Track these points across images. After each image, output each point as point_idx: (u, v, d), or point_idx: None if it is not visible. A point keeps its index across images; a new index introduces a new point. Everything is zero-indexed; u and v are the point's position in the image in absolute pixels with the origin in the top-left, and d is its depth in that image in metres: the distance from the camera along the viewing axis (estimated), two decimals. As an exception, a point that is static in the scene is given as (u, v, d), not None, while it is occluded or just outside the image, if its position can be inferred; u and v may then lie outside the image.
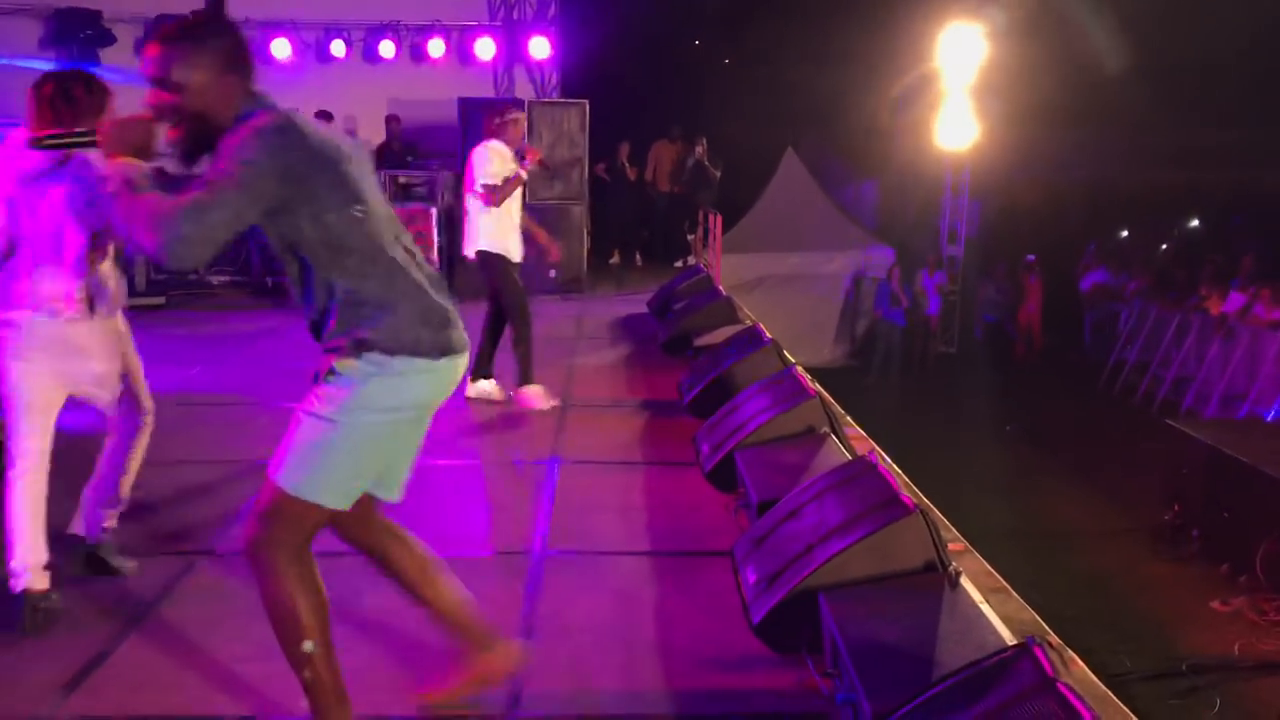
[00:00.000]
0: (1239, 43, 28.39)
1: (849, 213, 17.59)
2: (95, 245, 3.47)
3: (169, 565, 4.03)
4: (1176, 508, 8.97)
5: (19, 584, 3.38)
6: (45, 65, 11.64)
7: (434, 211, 10.85)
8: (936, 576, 3.42)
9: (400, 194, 10.91)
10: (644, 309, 9.66)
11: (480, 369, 6.40)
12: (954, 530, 4.43)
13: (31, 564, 3.39)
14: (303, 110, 3.98)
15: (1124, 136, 24.91)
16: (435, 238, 10.84)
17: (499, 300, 6.41)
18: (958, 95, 16.16)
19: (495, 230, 6.23)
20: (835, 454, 4.65)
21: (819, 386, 6.71)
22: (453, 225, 10.94)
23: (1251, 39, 28.51)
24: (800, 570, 3.51)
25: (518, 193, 6.31)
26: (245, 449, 5.39)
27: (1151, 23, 25.77)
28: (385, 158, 11.72)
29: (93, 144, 2.76)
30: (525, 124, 6.47)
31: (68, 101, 3.44)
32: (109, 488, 3.71)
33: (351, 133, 12.77)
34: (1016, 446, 12.15)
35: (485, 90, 13.11)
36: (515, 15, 13.07)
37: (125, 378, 3.65)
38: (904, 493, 3.74)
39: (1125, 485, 10.42)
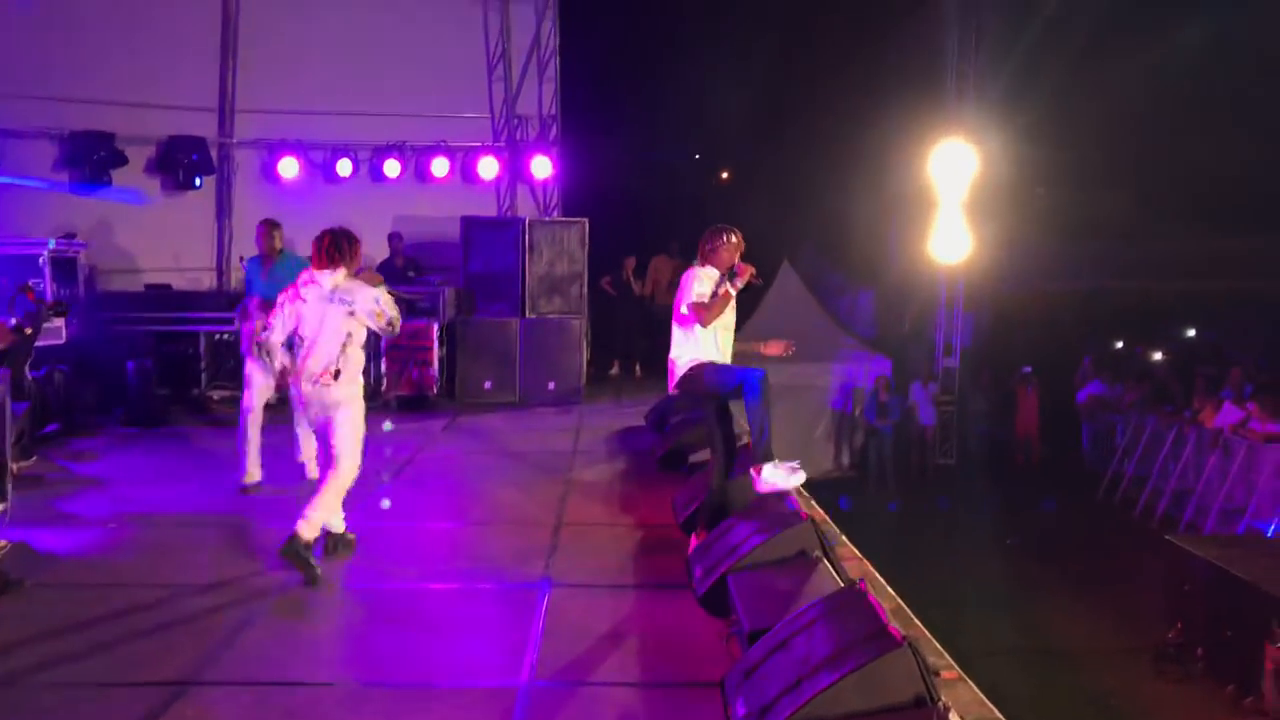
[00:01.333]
0: (1234, 152, 29.08)
1: (845, 324, 17.77)
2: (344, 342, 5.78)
3: (154, 695, 4.01)
4: (1179, 625, 8.87)
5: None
6: (59, 185, 11.99)
7: (435, 326, 11.01)
8: (925, 712, 3.40)
9: (402, 310, 11.05)
10: (642, 421, 9.71)
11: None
12: (947, 657, 4.38)
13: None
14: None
15: (1117, 247, 25.31)
16: (436, 351, 10.98)
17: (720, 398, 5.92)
18: (951, 209, 16.50)
19: (701, 354, 5.79)
20: (827, 580, 4.65)
21: (814, 505, 6.76)
22: (454, 339, 11.10)
23: (1246, 149, 29.20)
24: (788, 706, 3.49)
25: (730, 322, 5.95)
26: (235, 569, 5.39)
27: (1145, 131, 26.46)
28: (387, 274, 11.91)
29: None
30: (737, 243, 5.88)
31: (338, 249, 5.80)
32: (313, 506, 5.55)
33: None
34: (1018, 560, 12.06)
35: (488, 208, 13.44)
36: (518, 136, 13.45)
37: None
38: (892, 623, 3.73)
39: (1128, 601, 10.32)
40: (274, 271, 7.59)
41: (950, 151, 16.29)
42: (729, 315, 5.90)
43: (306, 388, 5.72)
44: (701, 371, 5.80)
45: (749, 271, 5.85)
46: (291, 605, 5.14)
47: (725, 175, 34.59)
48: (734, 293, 5.80)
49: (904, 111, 17.34)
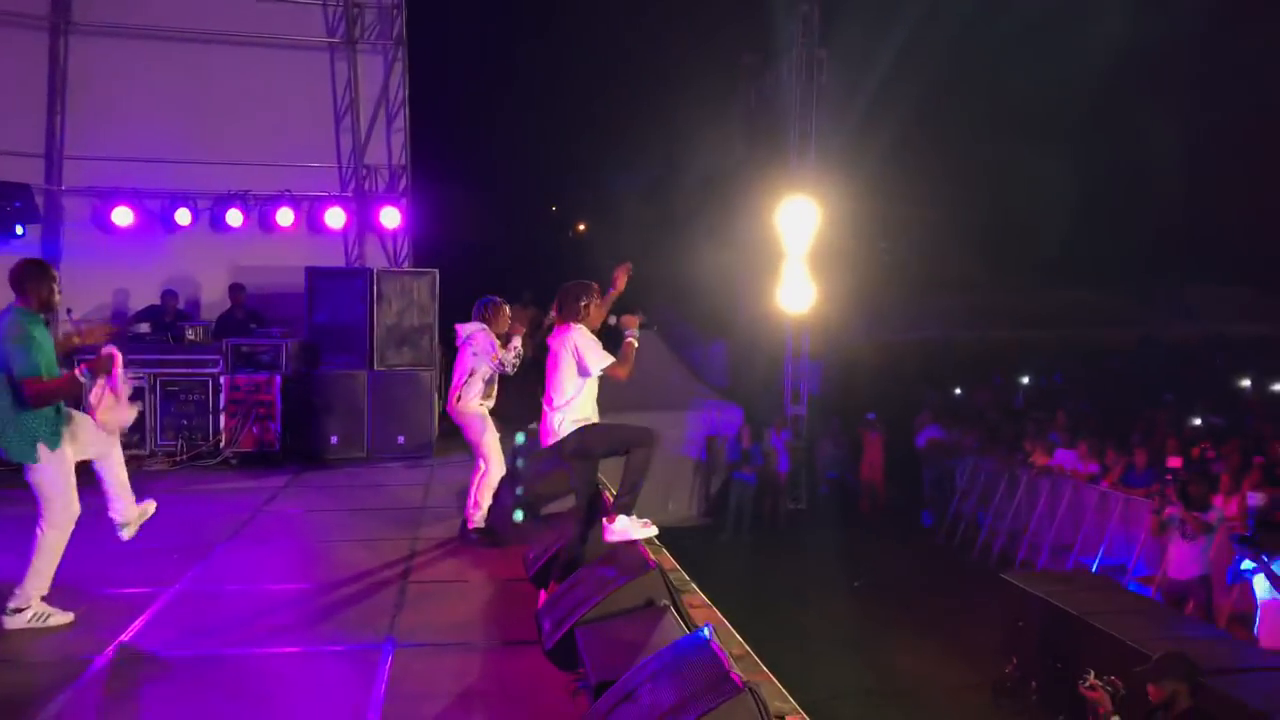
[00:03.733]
0: (1062, 209, 31.05)
1: (699, 373, 18.08)
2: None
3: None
4: (1015, 660, 9.25)
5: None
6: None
7: (278, 379, 10.66)
8: (767, 758, 3.43)
9: (242, 362, 10.70)
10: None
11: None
12: (791, 701, 4.44)
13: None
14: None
15: (954, 299, 26.64)
16: (279, 405, 10.62)
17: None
18: (796, 262, 17.07)
19: (589, 413, 5.81)
20: (673, 629, 4.66)
21: (665, 554, 6.79)
22: (293, 392, 10.75)
23: (1074, 205, 31.24)
24: (632, 758, 3.47)
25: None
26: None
27: (980, 186, 28.02)
28: (228, 326, 11.53)
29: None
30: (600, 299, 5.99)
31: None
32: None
33: (194, 301, 12.57)
34: (865, 602, 12.38)
35: (336, 258, 13.16)
36: (367, 186, 13.26)
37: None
38: (735, 670, 3.76)
39: (968, 638, 10.71)
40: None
41: (794, 207, 16.88)
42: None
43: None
44: (593, 438, 5.78)
45: (636, 321, 5.98)
46: (119, 678, 4.84)
47: (581, 227, 34.94)
48: (636, 344, 5.91)
49: (750, 168, 17.92)
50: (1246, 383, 19.11)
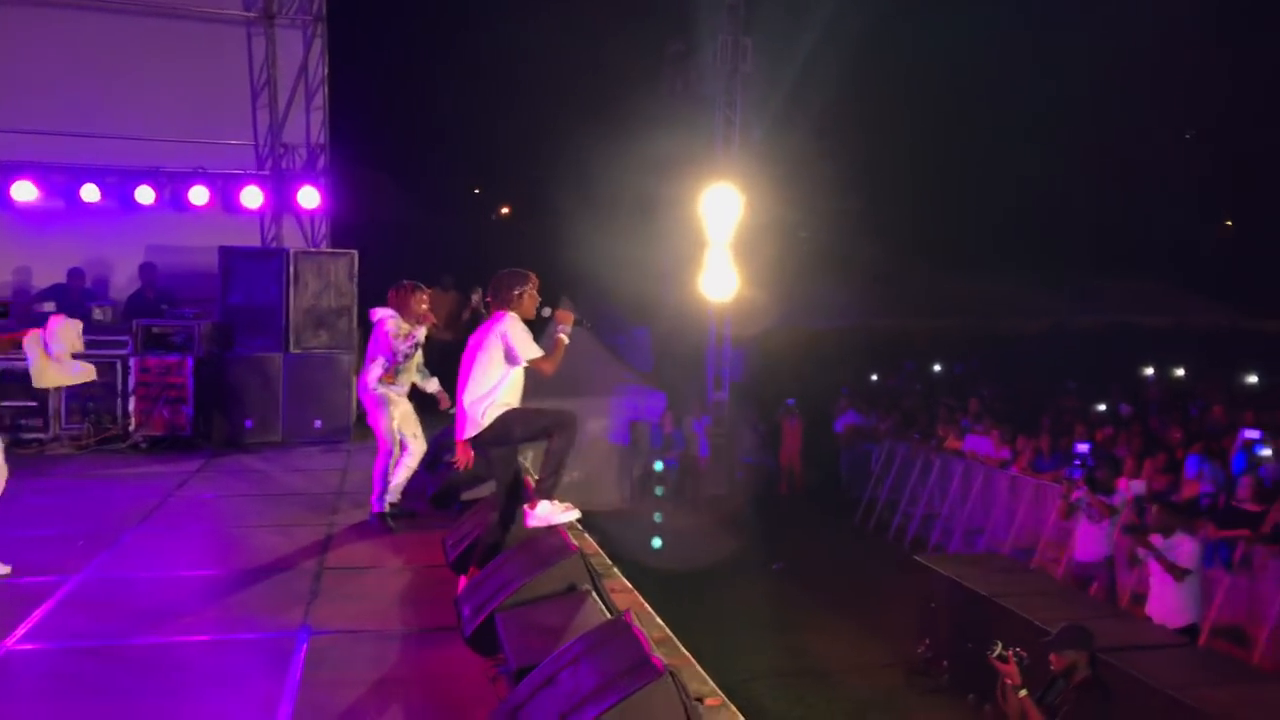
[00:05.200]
0: (973, 200, 31.78)
1: (622, 359, 18.09)
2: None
3: None
4: (927, 641, 9.48)
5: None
6: None
7: (190, 361, 10.39)
8: (686, 740, 3.46)
9: (154, 344, 10.41)
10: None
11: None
12: (711, 683, 4.48)
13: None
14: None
15: (871, 288, 27.11)
16: (191, 387, 10.36)
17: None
18: (719, 249, 17.16)
19: (511, 399, 5.73)
20: (594, 613, 4.68)
21: (588, 539, 6.80)
22: (206, 374, 10.49)
23: (985, 197, 32.02)
24: (552, 743, 3.48)
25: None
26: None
27: (894, 179, 28.55)
28: (139, 307, 11.19)
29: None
30: (536, 285, 5.86)
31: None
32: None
33: (103, 280, 12.17)
34: (783, 584, 12.55)
35: (252, 238, 12.84)
36: (284, 165, 12.96)
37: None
38: (656, 654, 3.79)
39: (883, 619, 10.93)
40: None
41: (718, 194, 16.96)
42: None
43: None
44: (513, 423, 5.71)
45: (571, 318, 5.90)
46: (19, 670, 4.68)
47: (505, 210, 34.68)
48: (567, 341, 5.84)
49: (674, 154, 17.94)
50: (1150, 371, 19.78)
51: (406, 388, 7.49)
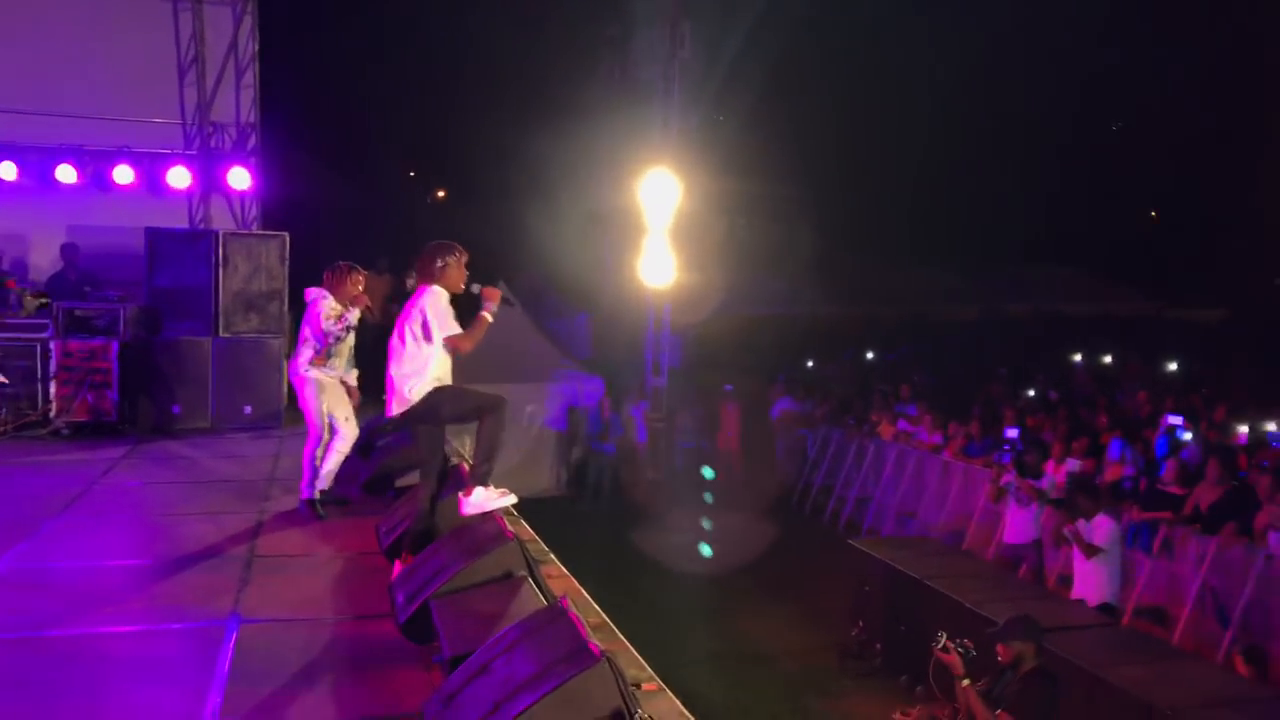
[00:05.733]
0: (907, 189, 32.23)
1: (562, 344, 18.02)
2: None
3: None
4: (861, 623, 9.60)
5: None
6: None
7: (115, 345, 10.11)
8: (623, 726, 3.46)
9: (76, 327, 10.11)
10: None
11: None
12: (648, 669, 4.49)
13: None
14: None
15: (805, 273, 27.33)
16: (116, 372, 10.08)
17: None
18: (658, 235, 17.16)
19: (441, 375, 5.65)
20: (531, 600, 4.65)
21: (523, 525, 6.76)
22: (131, 358, 10.22)
23: (918, 186, 32.50)
24: (487, 730, 3.45)
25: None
26: None
27: (829, 168, 28.80)
28: (60, 288, 10.86)
29: None
30: (465, 259, 5.74)
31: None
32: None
33: (21, 262, 11.78)
34: (719, 569, 12.60)
35: (180, 219, 12.54)
36: (213, 145, 12.66)
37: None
38: (593, 640, 3.77)
39: (818, 603, 11.05)
40: None
41: (656, 181, 16.94)
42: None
43: None
44: (442, 400, 5.63)
45: (497, 295, 5.76)
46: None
47: (440, 193, 34.29)
48: (490, 320, 5.70)
49: (614, 140, 17.88)
50: (1078, 358, 20.24)
51: (339, 371, 7.35)
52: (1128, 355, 20.04)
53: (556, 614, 4.03)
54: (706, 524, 13.94)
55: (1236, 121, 34.37)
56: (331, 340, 7.15)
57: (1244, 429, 11.74)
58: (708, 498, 15.46)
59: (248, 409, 10.61)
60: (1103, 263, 34.11)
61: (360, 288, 7.35)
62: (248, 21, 12.74)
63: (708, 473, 15.71)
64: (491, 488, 5.63)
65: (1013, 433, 11.67)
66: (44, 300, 10.36)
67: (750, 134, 21.06)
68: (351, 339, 7.39)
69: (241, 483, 8.21)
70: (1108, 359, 19.79)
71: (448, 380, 5.68)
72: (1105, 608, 8.36)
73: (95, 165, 11.89)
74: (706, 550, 13.20)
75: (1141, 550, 9.43)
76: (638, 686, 4.19)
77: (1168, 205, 40.95)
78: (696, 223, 17.76)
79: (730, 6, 17.87)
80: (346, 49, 21.27)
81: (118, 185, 11.98)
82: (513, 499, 5.73)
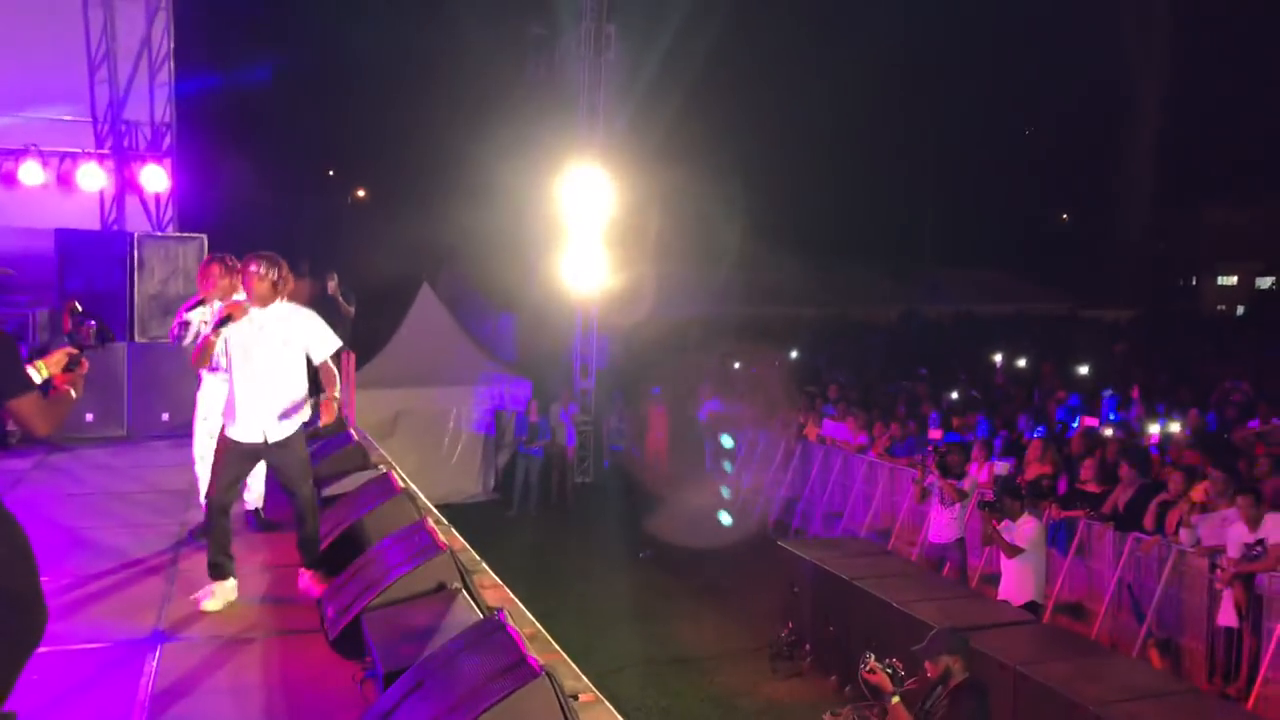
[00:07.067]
0: (834, 189, 32.73)
1: (487, 347, 17.87)
2: None
3: None
4: (790, 625, 9.69)
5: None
6: None
7: (25, 351, 9.72)
8: (563, 740, 3.43)
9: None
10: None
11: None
12: (585, 679, 4.46)
13: None
14: None
15: (732, 276, 27.57)
16: (25, 381, 9.70)
17: None
18: (584, 235, 17.13)
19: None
20: (466, 612, 4.58)
21: (455, 534, 6.67)
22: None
23: (845, 186, 33.02)
24: (425, 749, 3.39)
25: (257, 370, 5.45)
26: None
27: (755, 168, 29.06)
28: (-37, 292, 10.43)
29: None
30: (229, 272, 5.68)
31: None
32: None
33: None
34: (650, 573, 12.64)
35: (92, 221, 12.16)
36: (126, 144, 12.28)
37: None
38: (531, 652, 3.74)
39: (748, 605, 11.12)
40: None
41: (583, 180, 16.91)
42: (256, 360, 5.42)
43: None
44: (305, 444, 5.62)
45: (227, 311, 5.42)
46: None
47: (361, 193, 33.78)
48: (214, 339, 5.43)
49: (540, 141, 17.81)
50: (998, 358, 20.70)
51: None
52: (1042, 354, 20.55)
53: (493, 627, 3.98)
54: (636, 526, 13.93)
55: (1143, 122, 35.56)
56: (176, 343, 6.61)
57: (1154, 428, 12.11)
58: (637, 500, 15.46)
59: (166, 416, 10.30)
60: (1017, 263, 35.05)
61: (225, 280, 6.35)
62: (162, 18, 12.42)
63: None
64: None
65: (936, 434, 11.89)
66: None
67: (676, 135, 21.15)
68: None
69: (161, 494, 7.96)
70: (1023, 361, 20.29)
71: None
72: (1030, 605, 8.54)
73: (1, 163, 11.46)
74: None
75: (1059, 549, 9.67)
76: (575, 698, 4.16)
77: (1078, 206, 42.25)
78: (624, 224, 17.77)
79: (656, 8, 17.92)
80: (264, 46, 20.84)
81: (24, 185, 11.57)
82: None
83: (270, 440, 5.42)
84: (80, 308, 4.96)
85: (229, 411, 5.51)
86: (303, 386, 5.55)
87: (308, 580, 5.55)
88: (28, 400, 3.38)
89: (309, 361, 5.57)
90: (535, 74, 18.85)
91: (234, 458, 5.45)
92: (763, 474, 15.27)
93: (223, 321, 5.42)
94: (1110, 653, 8.13)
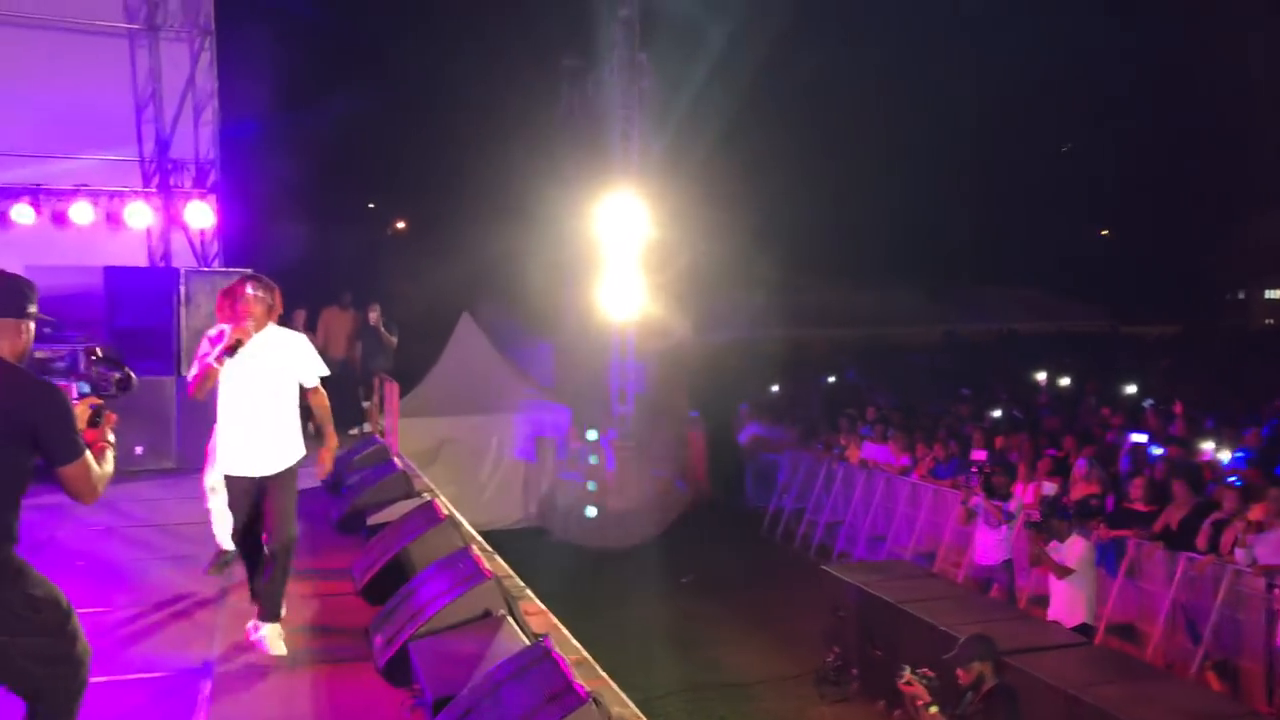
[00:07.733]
0: (870, 213, 32.65)
1: (526, 374, 17.97)
2: None
3: None
4: (836, 649, 9.60)
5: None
6: None
7: (74, 388, 9.91)
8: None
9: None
10: (317, 483, 9.22)
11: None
12: (631, 706, 4.46)
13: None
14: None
15: (770, 297, 27.55)
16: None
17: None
18: (621, 262, 17.20)
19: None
20: (512, 639, 4.61)
21: (499, 561, 6.71)
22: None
23: (884, 209, 32.93)
24: (475, 776, 3.41)
25: (255, 402, 5.29)
26: None
27: (794, 194, 29.12)
28: (17, 330, 10.66)
29: None
30: (253, 296, 5.25)
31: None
32: None
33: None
34: (692, 597, 12.59)
35: (139, 258, 12.40)
36: (173, 182, 12.53)
37: None
38: (578, 679, 3.75)
39: (792, 629, 11.04)
40: None
41: (619, 208, 17.00)
42: (252, 388, 5.30)
43: None
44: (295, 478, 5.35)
45: (235, 337, 5.23)
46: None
47: (401, 225, 34.20)
48: (218, 366, 5.21)
49: (576, 170, 17.94)
50: (1041, 376, 20.47)
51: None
52: (1085, 372, 20.29)
53: (540, 654, 4.00)
54: (679, 552, 13.88)
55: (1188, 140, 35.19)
56: (202, 362, 5.81)
57: (1208, 445, 11.90)
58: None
59: (212, 449, 10.45)
60: (1058, 281, 34.70)
61: (242, 306, 5.44)
62: (205, 57, 12.66)
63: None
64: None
65: (981, 454, 11.76)
66: None
67: (714, 160, 21.22)
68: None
69: (210, 525, 8.05)
70: (1066, 380, 20.04)
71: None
72: (1082, 628, 8.40)
73: (53, 204, 11.75)
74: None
75: (1108, 569, 9.51)
76: (619, 731, 4.17)
77: (1119, 223, 41.78)
78: (659, 250, 17.83)
79: (692, 37, 18.04)
80: (305, 82, 21.22)
81: (75, 224, 11.83)
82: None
83: (263, 474, 5.23)
84: (100, 353, 4.54)
85: (223, 444, 5.33)
86: (295, 417, 5.39)
87: (258, 637, 5.16)
88: (81, 464, 3.38)
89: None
90: (571, 104, 19.02)
91: (236, 494, 5.30)
92: (805, 498, 15.19)
93: (232, 349, 5.21)
94: (1165, 675, 7.98)
